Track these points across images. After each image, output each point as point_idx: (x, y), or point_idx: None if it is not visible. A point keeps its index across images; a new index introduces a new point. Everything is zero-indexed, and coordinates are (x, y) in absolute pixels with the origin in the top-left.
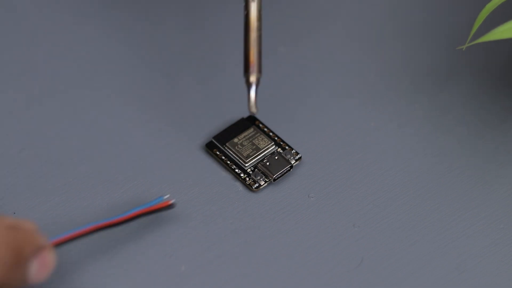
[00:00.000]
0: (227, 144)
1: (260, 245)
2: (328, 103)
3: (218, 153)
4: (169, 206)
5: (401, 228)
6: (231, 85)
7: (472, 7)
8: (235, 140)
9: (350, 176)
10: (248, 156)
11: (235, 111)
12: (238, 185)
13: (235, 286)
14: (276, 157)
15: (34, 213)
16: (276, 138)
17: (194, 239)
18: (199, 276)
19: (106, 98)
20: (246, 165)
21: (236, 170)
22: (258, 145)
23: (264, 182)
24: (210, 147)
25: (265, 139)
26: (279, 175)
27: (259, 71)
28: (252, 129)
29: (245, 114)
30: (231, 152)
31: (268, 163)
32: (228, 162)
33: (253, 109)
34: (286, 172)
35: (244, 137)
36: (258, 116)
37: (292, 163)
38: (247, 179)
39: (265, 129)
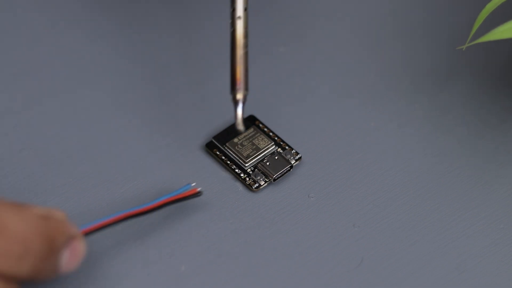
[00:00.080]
0: (227, 144)
1: (260, 245)
2: (328, 103)
3: (218, 153)
4: (196, 194)
5: (401, 228)
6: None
7: (472, 7)
8: (235, 140)
9: (350, 176)
10: (248, 156)
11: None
12: (238, 185)
13: (235, 286)
14: (276, 157)
15: None
16: (276, 138)
17: (194, 239)
18: (199, 276)
19: (106, 98)
20: (246, 165)
21: (236, 170)
22: (258, 145)
23: (264, 182)
24: (210, 147)
25: (265, 139)
26: (279, 175)
27: (246, 88)
28: (252, 129)
29: (245, 114)
30: (231, 152)
31: (268, 163)
32: (228, 162)
33: (240, 127)
34: (286, 172)
35: (244, 137)
36: (258, 116)
37: (292, 163)
38: (247, 179)
39: (265, 129)
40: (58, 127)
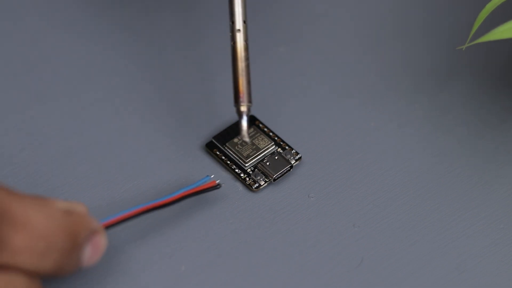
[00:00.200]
0: (227, 144)
1: (260, 245)
2: (328, 103)
3: (218, 153)
4: (215, 187)
5: (401, 228)
6: (231, 85)
7: (472, 7)
8: (235, 140)
9: (350, 176)
10: (248, 156)
11: (235, 111)
12: (238, 185)
13: (235, 286)
14: (276, 157)
15: None
16: (276, 138)
17: (194, 239)
18: (199, 276)
19: (106, 98)
20: (246, 165)
21: (236, 170)
22: (258, 145)
23: (264, 182)
24: (210, 147)
25: (265, 139)
26: (279, 175)
27: (249, 100)
28: (252, 129)
29: None
30: (231, 152)
31: (268, 163)
32: (228, 162)
33: (246, 138)
34: (286, 172)
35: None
36: (258, 116)
37: (292, 163)
38: (247, 179)
39: (265, 129)
40: (58, 127)
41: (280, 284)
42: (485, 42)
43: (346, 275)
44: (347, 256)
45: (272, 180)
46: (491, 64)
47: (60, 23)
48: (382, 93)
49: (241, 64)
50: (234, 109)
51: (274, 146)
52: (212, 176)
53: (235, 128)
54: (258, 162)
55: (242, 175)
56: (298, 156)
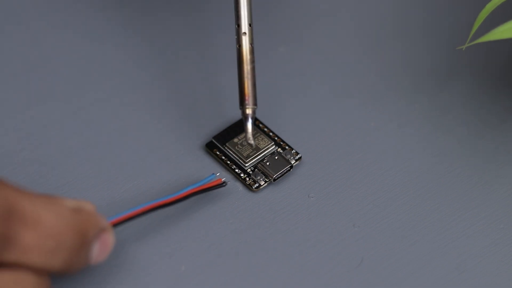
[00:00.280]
0: (227, 144)
1: (260, 245)
2: (328, 103)
3: (218, 153)
4: (221, 184)
5: (401, 228)
6: (231, 85)
7: (472, 7)
8: (235, 140)
9: (350, 176)
10: (248, 156)
11: (235, 111)
12: (238, 185)
13: (235, 286)
14: (276, 157)
15: None
16: (276, 138)
17: (194, 239)
18: (199, 276)
19: (106, 98)
20: (246, 165)
21: (236, 170)
22: (258, 145)
23: (264, 182)
24: (210, 147)
25: (265, 139)
26: (279, 175)
27: (255, 103)
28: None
29: None
30: (231, 152)
31: (268, 163)
32: (228, 162)
33: (251, 141)
34: (286, 172)
35: (244, 137)
36: (258, 116)
37: (292, 163)
38: (247, 179)
39: (265, 129)
40: (58, 127)
41: (280, 284)
42: (485, 42)
43: (346, 275)
44: (347, 256)
45: (272, 180)
46: (491, 64)
47: (60, 23)
48: (382, 93)
49: (247, 67)
50: (234, 109)
51: (274, 146)
52: (217, 174)
53: (235, 128)
54: (258, 162)
55: (242, 175)
56: (298, 156)
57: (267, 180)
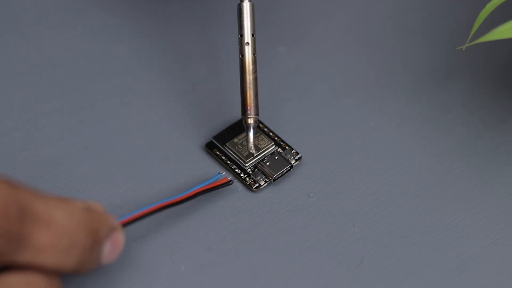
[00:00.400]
0: (227, 144)
1: (260, 245)
2: (328, 103)
3: (218, 153)
4: (227, 183)
5: (401, 228)
6: (231, 85)
7: (472, 7)
8: (235, 140)
9: (350, 176)
10: (248, 156)
11: (235, 111)
12: (238, 185)
13: (235, 286)
14: (276, 157)
15: None
16: (276, 138)
17: (194, 239)
18: (199, 276)
19: (106, 98)
20: (246, 165)
21: (236, 170)
22: (258, 145)
23: (264, 182)
24: (210, 147)
25: (265, 139)
26: (279, 175)
27: (257, 113)
28: None
29: None
30: (231, 152)
31: (268, 163)
32: (228, 162)
33: (252, 151)
34: (286, 172)
35: (244, 137)
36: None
37: (292, 163)
38: (247, 179)
39: (265, 129)
40: (58, 127)
41: (280, 284)
42: (485, 42)
43: (346, 275)
44: (347, 256)
45: (272, 180)
46: (491, 64)
47: (60, 23)
48: (382, 93)
49: (249, 77)
50: (234, 109)
51: (274, 146)
52: (223, 174)
53: (235, 128)
54: (258, 162)
55: (242, 175)
56: (298, 156)
57: (267, 180)
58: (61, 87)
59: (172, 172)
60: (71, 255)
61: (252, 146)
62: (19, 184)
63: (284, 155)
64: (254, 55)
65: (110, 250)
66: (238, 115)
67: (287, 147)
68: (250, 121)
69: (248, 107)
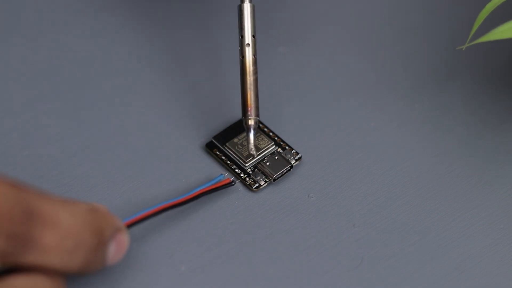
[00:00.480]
0: (227, 144)
1: (260, 245)
2: (328, 103)
3: (218, 153)
4: (230, 183)
5: (401, 228)
6: (231, 85)
7: (472, 7)
8: (235, 140)
9: (350, 176)
10: (248, 156)
11: (235, 111)
12: (238, 185)
13: (235, 286)
14: (276, 157)
15: None
16: (276, 138)
17: (194, 239)
18: (199, 276)
19: (105, 98)
20: (246, 165)
21: (236, 170)
22: (258, 145)
23: (264, 182)
24: (210, 147)
25: (265, 139)
26: (279, 175)
27: (257, 114)
28: None
29: None
30: (231, 152)
31: (268, 163)
32: (228, 162)
33: (253, 152)
34: (286, 172)
35: (244, 137)
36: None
37: (292, 163)
38: (247, 179)
39: (265, 129)
40: (58, 127)
41: (280, 284)
42: (485, 42)
43: (346, 275)
44: (347, 256)
45: (272, 180)
46: (491, 64)
47: (60, 23)
48: (382, 93)
49: (250, 78)
50: (234, 109)
51: (274, 146)
52: (225, 174)
53: (235, 128)
54: (258, 162)
55: (242, 175)
56: (298, 156)
57: (267, 180)
58: (61, 87)
59: (172, 172)
60: (76, 256)
61: (252, 147)
62: (24, 185)
63: (284, 155)
64: (254, 56)
65: (115, 251)
66: (238, 115)
67: (287, 147)
68: (251, 122)
69: (249, 108)
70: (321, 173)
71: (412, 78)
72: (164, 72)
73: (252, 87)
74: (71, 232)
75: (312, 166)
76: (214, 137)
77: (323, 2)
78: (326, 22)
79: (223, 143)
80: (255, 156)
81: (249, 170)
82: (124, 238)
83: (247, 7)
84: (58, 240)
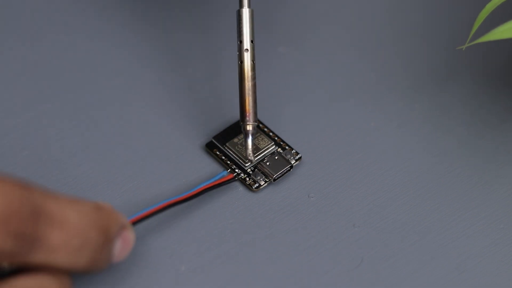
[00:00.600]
0: (227, 144)
1: (260, 245)
2: (328, 103)
3: (218, 153)
4: (232, 179)
5: (401, 228)
6: (231, 85)
7: (472, 7)
8: (235, 140)
9: (350, 176)
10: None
11: (235, 111)
12: (238, 185)
13: (235, 286)
14: (276, 157)
15: None
16: (276, 138)
17: (194, 239)
18: (199, 276)
19: (106, 98)
20: (246, 165)
21: (236, 170)
22: (258, 145)
23: (264, 182)
24: (210, 147)
25: (265, 139)
26: (279, 175)
27: (255, 120)
28: None
29: None
30: (231, 152)
31: (268, 163)
32: (228, 162)
33: (251, 157)
34: (286, 172)
35: (245, 152)
36: (258, 116)
37: (292, 163)
38: (247, 179)
39: (265, 129)
40: (58, 127)
41: (280, 284)
42: (485, 42)
43: (346, 275)
44: (347, 256)
45: (272, 180)
46: (491, 64)
47: (60, 23)
48: (382, 93)
49: (248, 84)
50: (234, 109)
51: (274, 146)
52: (228, 171)
53: (235, 128)
54: (258, 162)
55: (242, 175)
56: (298, 156)
57: (267, 180)
58: (61, 87)
59: (172, 172)
60: (83, 254)
61: (250, 153)
62: (31, 185)
63: (284, 155)
64: (253, 62)
65: (120, 248)
66: (238, 115)
67: (287, 147)
68: (249, 127)
69: (247, 114)
70: (321, 173)
71: (412, 78)
72: (164, 72)
73: (250, 93)
74: (78, 231)
75: (312, 166)
76: (214, 137)
77: (323, 2)
78: (326, 22)
79: (223, 143)
80: (253, 161)
81: (249, 170)
82: (129, 235)
83: (245, 13)
84: (65, 239)
